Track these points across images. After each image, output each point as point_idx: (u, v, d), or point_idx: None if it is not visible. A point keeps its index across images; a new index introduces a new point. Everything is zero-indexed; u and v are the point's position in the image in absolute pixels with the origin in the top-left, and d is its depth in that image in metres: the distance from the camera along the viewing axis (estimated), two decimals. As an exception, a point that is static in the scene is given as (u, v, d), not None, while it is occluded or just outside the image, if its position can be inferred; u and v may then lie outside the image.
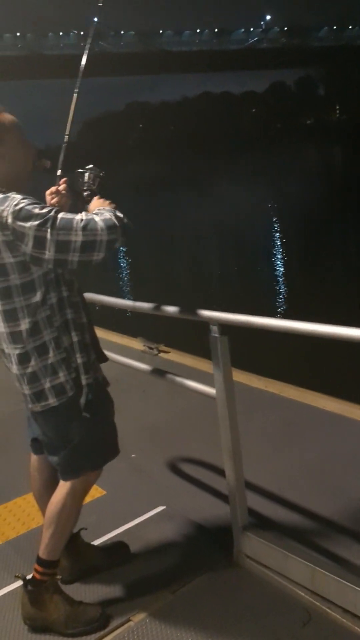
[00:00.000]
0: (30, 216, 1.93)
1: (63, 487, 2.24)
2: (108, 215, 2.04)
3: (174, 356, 5.21)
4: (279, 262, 16.11)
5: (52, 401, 2.10)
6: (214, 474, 3.18)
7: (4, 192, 2.01)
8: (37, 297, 2.03)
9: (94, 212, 2.09)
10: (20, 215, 1.92)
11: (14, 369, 2.11)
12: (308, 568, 2.20)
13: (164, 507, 2.99)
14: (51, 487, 2.36)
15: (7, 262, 1.98)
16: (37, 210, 1.94)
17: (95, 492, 3.21)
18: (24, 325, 2.03)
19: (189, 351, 5.28)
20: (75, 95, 2.60)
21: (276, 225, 22.17)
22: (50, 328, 2.06)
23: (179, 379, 2.64)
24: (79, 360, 2.13)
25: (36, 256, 1.96)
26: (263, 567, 2.39)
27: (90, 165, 2.35)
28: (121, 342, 5.76)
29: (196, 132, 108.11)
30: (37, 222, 1.92)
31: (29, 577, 2.28)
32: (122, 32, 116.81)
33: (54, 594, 2.26)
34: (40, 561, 2.25)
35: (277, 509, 2.83)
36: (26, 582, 2.27)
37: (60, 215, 1.97)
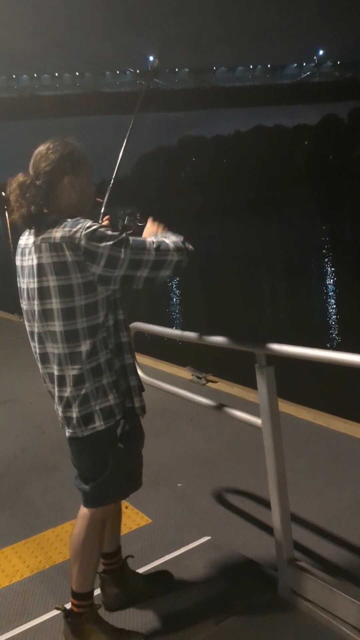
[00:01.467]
0: (103, 237, 2.00)
1: (83, 520, 2.25)
2: (175, 237, 2.16)
3: (222, 386, 5.22)
4: (330, 294, 15.94)
5: (98, 424, 2.12)
6: (261, 505, 3.16)
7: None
8: (100, 318, 2.08)
9: (162, 235, 2.20)
10: (94, 236, 2.00)
11: (67, 391, 2.11)
12: (354, 605, 2.15)
13: (209, 538, 2.98)
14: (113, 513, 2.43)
15: (75, 283, 2.02)
16: (109, 232, 2.03)
17: (141, 520, 3.23)
18: (85, 346, 2.06)
19: (237, 381, 5.27)
20: (124, 144, 2.72)
21: (328, 257, 21.97)
22: (105, 350, 2.11)
23: (226, 408, 2.67)
24: (132, 383, 2.21)
25: (106, 275, 2.02)
26: (308, 602, 2.35)
27: (129, 210, 2.44)
28: (169, 371, 5.81)
29: (249, 165, 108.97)
30: (110, 242, 2.00)
31: (67, 606, 2.32)
32: (176, 69, 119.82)
33: (94, 624, 2.28)
34: (74, 594, 2.28)
35: (324, 544, 2.78)
36: (66, 614, 2.29)
37: (132, 237, 2.08)
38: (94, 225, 2.03)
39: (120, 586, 2.52)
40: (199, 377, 5.35)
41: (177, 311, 15.69)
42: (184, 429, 4.36)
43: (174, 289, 17.92)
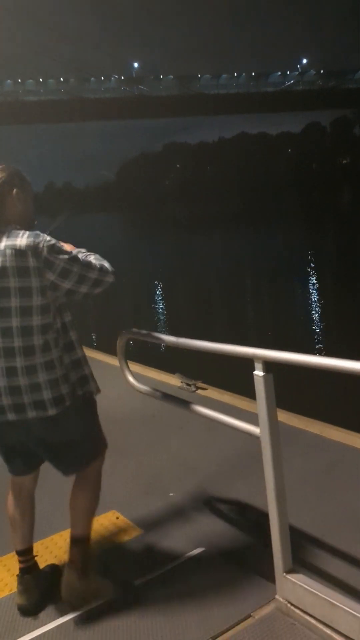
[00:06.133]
0: (60, 251, 2.37)
1: (89, 481, 2.60)
2: (107, 262, 2.53)
3: (212, 393, 5.15)
4: (316, 301, 15.98)
5: (68, 402, 2.41)
6: (255, 515, 3.10)
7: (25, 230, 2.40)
8: (50, 318, 2.39)
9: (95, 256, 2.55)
10: (54, 249, 2.35)
11: (40, 376, 2.35)
12: (356, 619, 2.09)
13: (203, 549, 2.91)
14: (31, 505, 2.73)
15: (34, 286, 2.33)
16: (65, 248, 2.42)
17: (133, 532, 3.15)
18: (37, 341, 2.34)
19: (227, 388, 5.22)
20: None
21: (314, 265, 22.05)
22: (56, 348, 2.40)
23: (221, 416, 2.60)
24: (86, 372, 2.54)
25: (57, 283, 2.36)
26: (307, 615, 2.29)
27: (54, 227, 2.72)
28: (158, 378, 5.73)
29: (233, 172, 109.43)
30: (66, 257, 2.37)
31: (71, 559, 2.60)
32: (161, 76, 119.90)
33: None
34: (78, 539, 2.60)
35: (322, 555, 2.72)
36: (74, 563, 2.58)
37: (81, 255, 2.48)
38: (52, 240, 2.38)
39: (39, 586, 2.63)
40: (188, 384, 5.28)
41: (166, 320, 15.60)
42: (174, 437, 4.29)
43: (164, 297, 17.87)
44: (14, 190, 2.48)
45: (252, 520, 3.09)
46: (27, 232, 2.37)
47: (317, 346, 10.97)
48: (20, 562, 2.67)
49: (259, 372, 2.29)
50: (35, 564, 2.70)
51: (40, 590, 2.63)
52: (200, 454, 4.04)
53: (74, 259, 2.38)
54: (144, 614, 2.49)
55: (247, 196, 77.57)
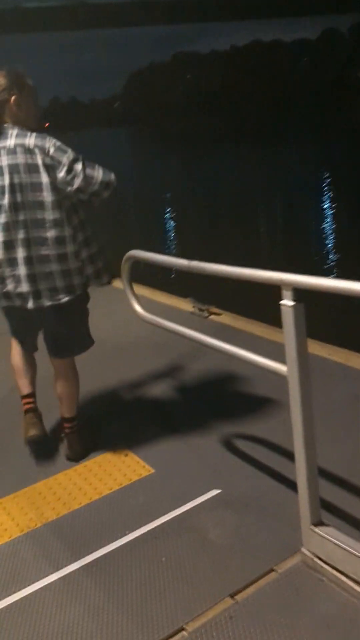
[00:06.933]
0: (66, 151, 2.59)
1: (73, 370, 3.01)
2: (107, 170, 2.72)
3: (226, 319, 4.81)
4: (329, 219, 15.37)
5: (78, 292, 2.75)
6: (276, 454, 2.85)
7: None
8: (62, 214, 2.62)
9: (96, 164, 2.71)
10: (60, 148, 2.58)
11: (54, 266, 2.62)
12: None
13: (219, 491, 2.66)
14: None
15: (44, 182, 2.55)
16: (69, 149, 2.60)
17: (143, 470, 2.92)
18: (50, 233, 2.60)
19: (240, 313, 4.88)
20: None
21: (328, 183, 21.14)
22: (73, 243, 2.65)
23: (241, 352, 2.26)
24: (99, 266, 2.82)
25: (65, 181, 2.56)
26: (337, 571, 2.05)
27: None
28: (169, 303, 5.40)
29: (246, 82, 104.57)
30: (72, 156, 2.58)
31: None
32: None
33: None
34: (72, 418, 3.05)
35: (353, 502, 2.45)
36: (71, 432, 3.06)
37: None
38: (58, 141, 2.59)
39: (42, 422, 3.06)
40: (201, 310, 4.94)
41: (176, 242, 15.01)
42: (187, 368, 3.98)
43: (174, 220, 17.27)
44: (13, 97, 2.63)
45: (275, 461, 2.81)
46: (35, 133, 2.59)
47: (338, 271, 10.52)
48: (25, 404, 3.05)
49: (287, 302, 1.94)
50: (38, 408, 3.07)
51: (43, 426, 3.03)
52: (216, 386, 3.75)
53: (78, 158, 2.58)
54: (153, 566, 2.27)
55: (260, 108, 74.33)
